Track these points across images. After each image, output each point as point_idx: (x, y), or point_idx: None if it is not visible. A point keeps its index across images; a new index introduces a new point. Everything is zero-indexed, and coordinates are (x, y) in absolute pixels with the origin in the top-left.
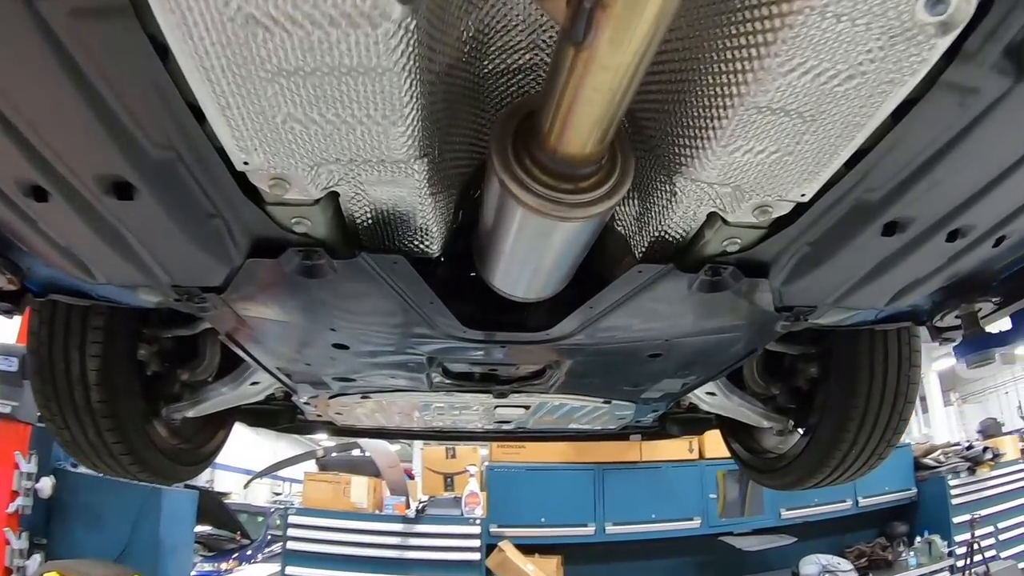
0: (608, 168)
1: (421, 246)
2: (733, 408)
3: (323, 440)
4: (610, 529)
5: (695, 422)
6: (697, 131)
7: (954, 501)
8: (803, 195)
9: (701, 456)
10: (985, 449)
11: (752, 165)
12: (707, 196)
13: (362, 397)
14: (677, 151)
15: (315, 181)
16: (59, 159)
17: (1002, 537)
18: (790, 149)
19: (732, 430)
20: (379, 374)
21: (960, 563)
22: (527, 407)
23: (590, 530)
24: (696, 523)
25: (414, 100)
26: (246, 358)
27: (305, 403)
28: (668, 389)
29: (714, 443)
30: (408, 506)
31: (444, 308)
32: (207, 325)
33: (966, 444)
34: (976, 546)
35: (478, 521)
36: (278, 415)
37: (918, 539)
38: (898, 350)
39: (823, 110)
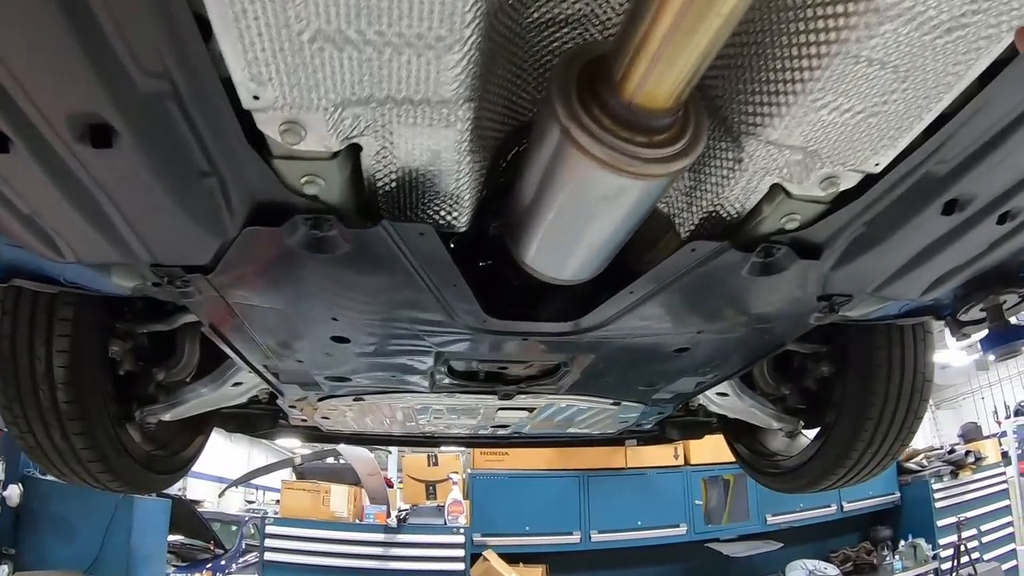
0: (682, 123)
1: (448, 217)
2: (744, 409)
3: (298, 448)
4: (596, 537)
5: (696, 426)
6: (780, 85)
7: (937, 504)
8: (877, 164)
9: (686, 462)
10: (967, 453)
11: (835, 126)
12: (775, 164)
13: (354, 400)
14: (750, 110)
15: (336, 128)
16: (25, 94)
17: (985, 540)
18: (876, 109)
19: (736, 433)
20: (378, 373)
21: (945, 566)
22: (531, 410)
23: (575, 538)
24: (682, 530)
25: (476, 20)
26: (231, 354)
27: (290, 406)
28: (681, 389)
29: (699, 449)
30: (389, 515)
31: (469, 292)
32: (186, 319)
33: (948, 448)
34: (963, 548)
35: (461, 530)
36: (260, 420)
37: (902, 543)
38: (914, 346)
39: (918, 65)
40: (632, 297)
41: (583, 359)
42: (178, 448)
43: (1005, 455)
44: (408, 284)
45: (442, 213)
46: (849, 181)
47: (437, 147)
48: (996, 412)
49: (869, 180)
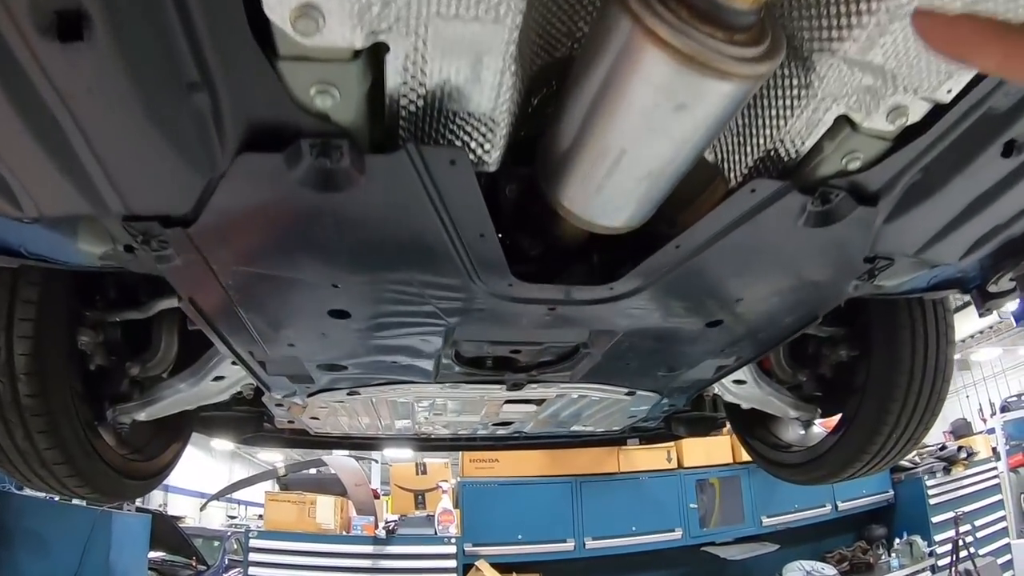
0: (761, 26)
1: (479, 150)
2: (762, 397)
3: (278, 462)
4: (590, 544)
5: (703, 421)
6: None
7: (931, 501)
8: (949, 91)
9: (680, 466)
10: (959, 448)
11: (916, 40)
12: (845, 90)
13: (348, 393)
14: (824, 24)
15: (362, 17)
16: None
17: (979, 535)
18: None
19: (748, 427)
20: (377, 357)
21: (942, 562)
22: (540, 402)
23: (569, 546)
24: (677, 534)
25: None
26: (212, 337)
27: (277, 404)
28: (701, 375)
29: (692, 452)
30: (377, 526)
31: (496, 244)
32: (163, 306)
33: (939, 444)
34: (960, 543)
35: (452, 540)
36: (242, 423)
37: (898, 540)
38: (936, 325)
39: None
40: (679, 253)
41: (607, 338)
42: (153, 452)
43: (995, 450)
44: (426, 232)
45: (472, 145)
46: (917, 112)
47: (480, 49)
48: (981, 410)
49: (936, 112)
